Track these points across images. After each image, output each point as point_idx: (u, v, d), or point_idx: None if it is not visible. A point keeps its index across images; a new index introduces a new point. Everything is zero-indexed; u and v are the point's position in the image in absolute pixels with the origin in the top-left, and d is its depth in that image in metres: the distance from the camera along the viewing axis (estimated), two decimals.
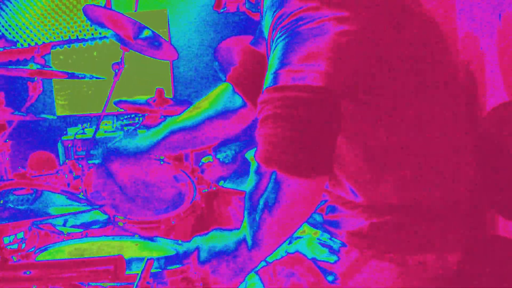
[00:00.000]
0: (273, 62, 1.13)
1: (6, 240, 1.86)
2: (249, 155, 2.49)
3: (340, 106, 1.09)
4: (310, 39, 1.08)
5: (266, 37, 1.20)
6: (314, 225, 1.31)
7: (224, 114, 1.55)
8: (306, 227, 1.34)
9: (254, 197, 1.15)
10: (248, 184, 1.18)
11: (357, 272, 1.21)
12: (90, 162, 2.64)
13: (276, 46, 1.13)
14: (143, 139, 1.54)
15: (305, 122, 1.07)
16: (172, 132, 1.52)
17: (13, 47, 4.38)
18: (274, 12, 1.15)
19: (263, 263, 1.32)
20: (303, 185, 1.10)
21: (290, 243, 1.35)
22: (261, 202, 1.13)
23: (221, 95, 1.58)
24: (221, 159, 2.62)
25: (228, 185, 2.49)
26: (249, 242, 1.17)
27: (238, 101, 1.55)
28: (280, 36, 1.12)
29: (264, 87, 1.13)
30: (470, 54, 1.87)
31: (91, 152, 3.55)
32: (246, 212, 1.18)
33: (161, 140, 1.52)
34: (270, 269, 1.31)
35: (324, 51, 1.07)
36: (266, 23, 1.20)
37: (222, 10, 1.51)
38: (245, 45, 1.58)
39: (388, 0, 1.16)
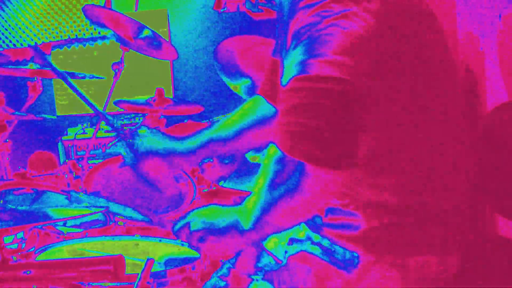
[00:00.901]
0: (301, 51, 1.12)
1: (6, 240, 1.86)
2: (249, 155, 2.49)
3: (365, 100, 1.09)
4: (339, 32, 1.08)
5: (288, 28, 1.20)
6: (314, 229, 1.31)
7: (260, 123, 1.56)
8: (305, 230, 1.34)
9: (273, 183, 1.15)
10: (264, 170, 1.18)
11: (359, 280, 1.21)
12: (90, 162, 2.64)
13: (303, 37, 1.12)
14: (184, 144, 1.52)
15: (332, 113, 1.07)
16: (211, 141, 1.52)
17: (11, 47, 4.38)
18: (298, 7, 1.15)
19: (270, 266, 1.32)
20: (327, 177, 1.11)
21: (290, 244, 1.35)
22: (282, 188, 1.14)
23: (255, 106, 1.59)
24: (221, 159, 2.62)
25: (228, 185, 2.49)
26: (247, 223, 1.19)
27: (272, 111, 1.56)
28: (309, 30, 1.12)
29: (290, 75, 1.13)
30: (470, 54, 1.87)
31: (91, 152, 3.55)
32: (258, 195, 1.18)
33: (201, 148, 1.51)
34: (279, 274, 1.31)
35: (354, 45, 1.08)
36: (288, 12, 1.20)
37: (222, 10, 1.51)
38: (268, 57, 1.59)
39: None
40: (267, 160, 1.17)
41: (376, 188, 1.19)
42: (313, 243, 1.29)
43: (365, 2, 1.10)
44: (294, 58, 1.13)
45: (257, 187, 1.19)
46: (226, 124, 1.57)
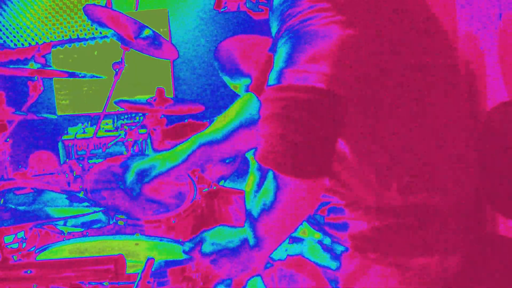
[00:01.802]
0: (278, 60, 1.12)
1: (6, 239, 1.86)
2: (249, 154, 2.49)
3: (342, 108, 1.09)
4: (316, 40, 1.08)
5: (273, 35, 1.21)
6: (315, 227, 1.31)
7: (251, 123, 1.54)
8: (307, 228, 1.34)
9: (254, 196, 1.15)
10: (248, 182, 1.18)
11: (359, 279, 1.21)
12: (90, 161, 2.64)
13: (282, 45, 1.13)
14: (173, 155, 1.52)
15: (305, 124, 1.07)
16: (201, 145, 1.52)
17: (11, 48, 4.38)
18: (283, 10, 1.15)
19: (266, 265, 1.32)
20: (301, 186, 1.10)
21: (291, 243, 1.35)
22: (260, 201, 1.14)
23: (246, 105, 1.57)
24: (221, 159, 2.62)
25: (228, 184, 2.50)
26: (251, 240, 1.19)
27: None
28: (288, 35, 1.12)
29: (268, 84, 1.13)
30: (470, 54, 1.87)
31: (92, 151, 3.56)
32: (246, 211, 1.18)
33: (191, 155, 1.51)
34: (272, 272, 1.31)
35: (329, 53, 1.07)
36: (274, 21, 1.20)
37: (222, 10, 1.51)
38: (264, 53, 1.59)
39: (393, 4, 1.16)
40: (251, 169, 1.18)
41: (380, 189, 1.19)
42: (314, 241, 1.29)
43: (346, 13, 1.09)
44: (274, 66, 1.14)
45: (246, 199, 1.20)
46: (217, 126, 1.55)
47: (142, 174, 1.52)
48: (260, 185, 1.14)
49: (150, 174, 1.51)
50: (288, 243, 1.35)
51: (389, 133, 1.17)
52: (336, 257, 1.23)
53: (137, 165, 1.53)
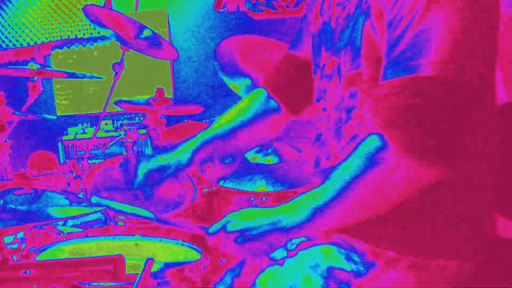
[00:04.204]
0: (405, 47, 1.08)
1: (6, 239, 1.86)
2: (249, 155, 2.49)
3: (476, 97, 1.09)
4: (440, 25, 1.05)
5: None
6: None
7: (256, 119, 1.53)
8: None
9: (364, 179, 1.10)
10: (346, 165, 1.13)
11: (373, 283, 1.18)
12: (90, 162, 2.64)
13: (407, 26, 1.08)
14: (180, 153, 1.49)
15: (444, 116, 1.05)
16: (206, 142, 1.50)
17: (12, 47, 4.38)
18: None
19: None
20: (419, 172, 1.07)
21: (302, 249, 1.32)
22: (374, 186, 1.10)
23: (254, 101, 1.56)
24: (221, 159, 2.62)
25: (228, 184, 2.49)
26: (298, 218, 1.15)
27: (272, 106, 1.54)
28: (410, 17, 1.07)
29: (397, 72, 1.08)
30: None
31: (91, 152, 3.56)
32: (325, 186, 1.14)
33: (196, 152, 1.48)
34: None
35: (459, 40, 1.06)
36: None
37: (222, 10, 1.51)
38: (284, 50, 1.57)
39: None
40: (354, 156, 1.12)
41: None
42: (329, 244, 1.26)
43: None
44: (398, 51, 1.09)
45: (329, 181, 1.14)
46: (222, 122, 1.54)
47: (151, 176, 1.50)
48: (381, 169, 1.08)
49: (160, 176, 1.48)
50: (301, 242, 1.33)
51: None
52: (350, 259, 1.21)
53: (144, 167, 1.49)
